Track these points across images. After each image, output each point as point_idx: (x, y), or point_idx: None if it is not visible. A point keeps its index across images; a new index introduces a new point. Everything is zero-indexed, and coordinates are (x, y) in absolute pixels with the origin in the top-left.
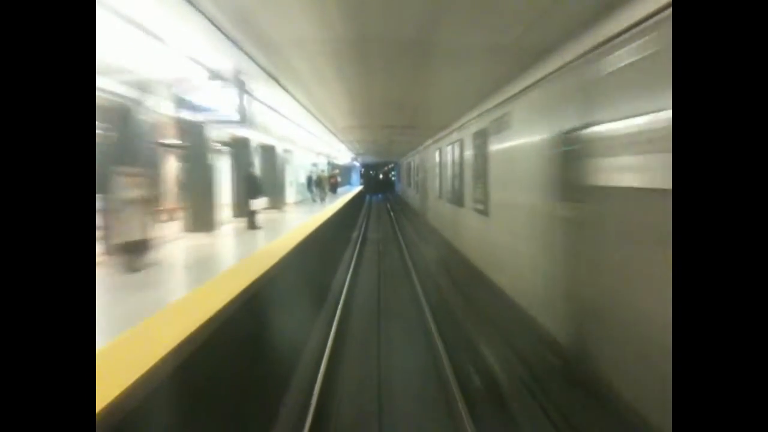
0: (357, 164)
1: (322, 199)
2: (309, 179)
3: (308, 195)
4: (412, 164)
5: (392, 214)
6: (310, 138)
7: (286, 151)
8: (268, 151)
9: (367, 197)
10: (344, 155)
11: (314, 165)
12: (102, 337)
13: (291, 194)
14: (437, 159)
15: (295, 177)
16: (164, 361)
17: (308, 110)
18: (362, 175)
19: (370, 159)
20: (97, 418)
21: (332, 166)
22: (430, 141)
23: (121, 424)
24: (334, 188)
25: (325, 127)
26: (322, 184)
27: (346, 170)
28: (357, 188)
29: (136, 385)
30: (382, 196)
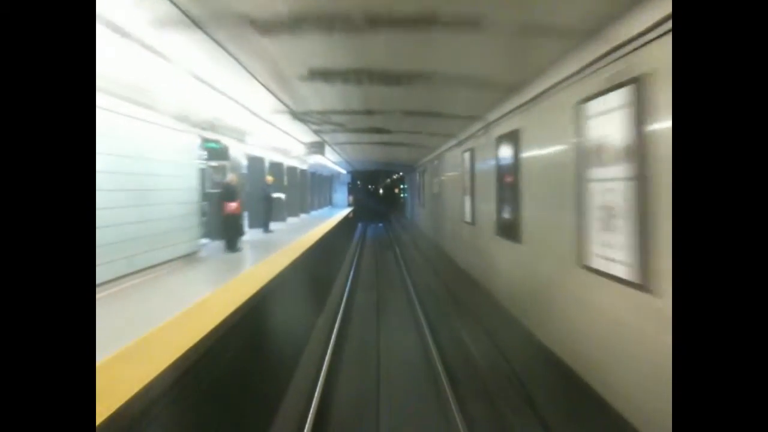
0: (343, 171)
1: None
2: None
3: None
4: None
5: None
6: None
7: None
8: None
9: (360, 227)
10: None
11: None
12: None
13: None
14: None
15: None
16: None
17: None
18: (351, 190)
19: (362, 163)
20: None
21: (231, 166)
22: None
23: None
24: (232, 238)
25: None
26: None
27: (319, 181)
28: (340, 213)
29: None
30: (383, 227)
